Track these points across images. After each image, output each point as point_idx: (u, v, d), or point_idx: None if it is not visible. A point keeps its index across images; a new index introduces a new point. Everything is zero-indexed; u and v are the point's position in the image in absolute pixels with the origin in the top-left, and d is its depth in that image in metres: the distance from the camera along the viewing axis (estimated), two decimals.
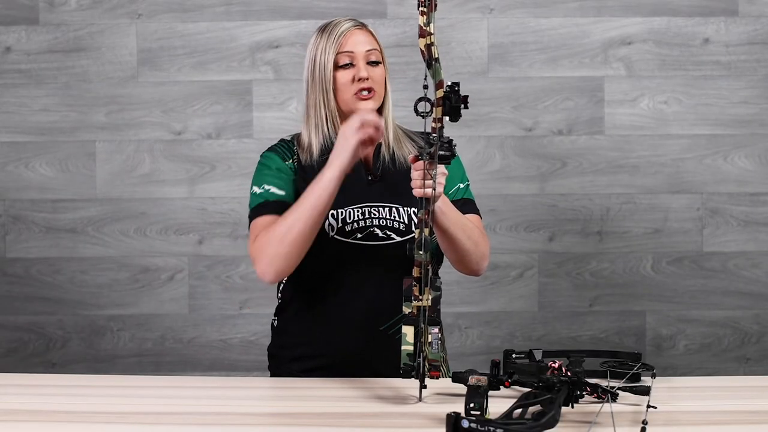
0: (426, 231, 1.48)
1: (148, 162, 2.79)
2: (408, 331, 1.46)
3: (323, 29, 1.82)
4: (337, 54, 1.78)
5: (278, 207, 1.76)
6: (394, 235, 1.79)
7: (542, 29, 2.76)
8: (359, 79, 1.77)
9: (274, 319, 1.91)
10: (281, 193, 1.79)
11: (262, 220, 1.76)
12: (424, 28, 1.45)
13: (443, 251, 1.78)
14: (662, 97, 2.76)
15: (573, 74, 2.76)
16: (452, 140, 1.48)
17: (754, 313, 2.78)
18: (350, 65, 1.79)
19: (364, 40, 1.80)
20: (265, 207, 1.77)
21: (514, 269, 2.78)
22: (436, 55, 1.45)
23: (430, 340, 1.46)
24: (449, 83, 1.45)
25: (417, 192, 1.53)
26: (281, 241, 1.67)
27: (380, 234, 1.79)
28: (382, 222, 1.79)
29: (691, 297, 2.78)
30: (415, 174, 1.56)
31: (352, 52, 1.78)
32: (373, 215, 1.79)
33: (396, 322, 1.74)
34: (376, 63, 1.80)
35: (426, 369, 1.47)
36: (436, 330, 1.46)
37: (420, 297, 1.47)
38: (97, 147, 2.79)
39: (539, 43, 2.76)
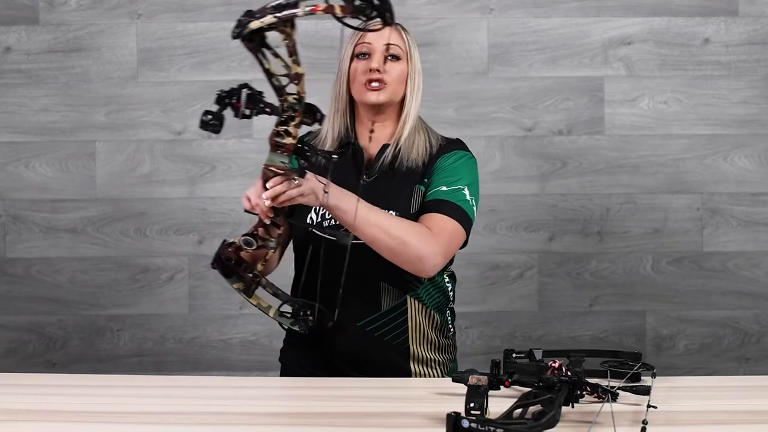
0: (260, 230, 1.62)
1: (148, 162, 2.79)
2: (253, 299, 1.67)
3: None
4: (356, 45, 1.80)
5: None
6: None
7: (542, 29, 2.76)
8: (370, 70, 1.77)
9: None
10: None
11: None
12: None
13: None
14: (662, 97, 2.76)
15: (573, 74, 2.76)
16: (332, 153, 1.54)
17: (754, 313, 2.78)
18: (367, 56, 1.79)
19: (388, 35, 1.78)
20: None
21: (514, 269, 2.78)
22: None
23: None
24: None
25: (254, 201, 1.59)
26: None
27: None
28: None
29: (691, 297, 2.78)
30: (269, 184, 1.56)
31: (370, 43, 1.79)
32: None
33: (373, 319, 1.78)
34: (395, 58, 1.79)
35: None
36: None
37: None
38: (97, 147, 2.79)
39: (539, 43, 2.76)
